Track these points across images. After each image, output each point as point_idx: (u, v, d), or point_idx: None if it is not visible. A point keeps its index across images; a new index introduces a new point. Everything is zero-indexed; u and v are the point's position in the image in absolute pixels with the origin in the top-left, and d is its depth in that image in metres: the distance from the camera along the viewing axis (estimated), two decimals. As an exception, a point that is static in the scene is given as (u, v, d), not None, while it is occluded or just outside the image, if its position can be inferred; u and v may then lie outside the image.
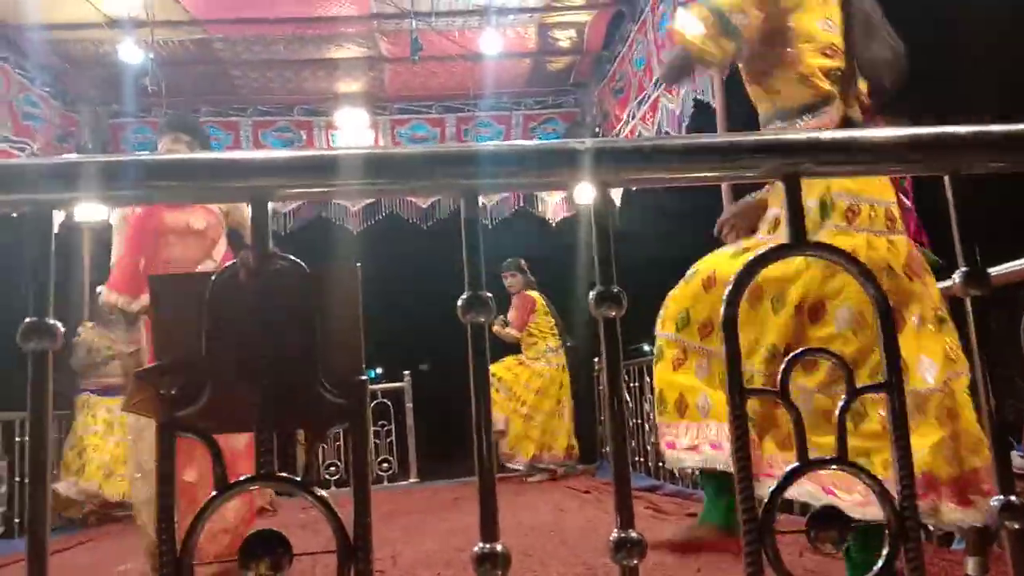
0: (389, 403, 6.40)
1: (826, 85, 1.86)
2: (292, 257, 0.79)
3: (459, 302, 0.79)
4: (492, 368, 5.56)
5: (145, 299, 2.97)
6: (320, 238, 6.75)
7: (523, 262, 6.20)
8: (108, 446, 5.38)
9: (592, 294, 0.79)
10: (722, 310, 0.82)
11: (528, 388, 5.99)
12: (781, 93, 1.92)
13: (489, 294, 0.79)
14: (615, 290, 0.78)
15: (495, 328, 6.09)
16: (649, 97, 5.30)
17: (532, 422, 5.93)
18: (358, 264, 0.80)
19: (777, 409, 1.72)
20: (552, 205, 6.96)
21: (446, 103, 6.83)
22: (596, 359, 6.57)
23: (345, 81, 6.50)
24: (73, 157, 0.75)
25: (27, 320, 0.74)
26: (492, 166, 0.78)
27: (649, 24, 5.16)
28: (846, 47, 1.88)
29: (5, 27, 5.22)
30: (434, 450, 6.72)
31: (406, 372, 6.46)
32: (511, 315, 6.10)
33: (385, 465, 6.30)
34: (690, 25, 1.89)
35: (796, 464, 0.81)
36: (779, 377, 0.82)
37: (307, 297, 0.77)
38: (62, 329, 0.76)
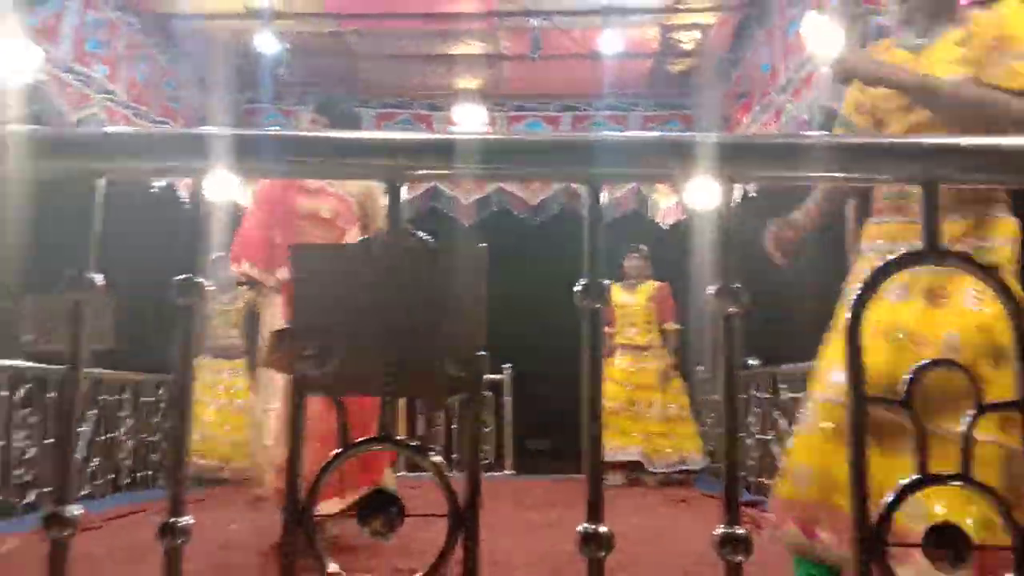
0: (489, 394, 6.48)
1: None
2: (422, 234, 0.82)
3: (576, 288, 0.80)
4: (607, 393, 5.51)
5: (281, 274, 3.02)
6: (431, 228, 6.89)
7: None
8: (208, 410, 5.65)
9: (711, 289, 0.79)
10: (847, 313, 0.81)
11: (655, 388, 5.89)
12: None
13: (607, 281, 0.81)
14: (735, 286, 0.78)
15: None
16: (773, 103, 5.16)
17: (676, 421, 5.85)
18: (484, 244, 0.83)
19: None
20: (664, 208, 6.88)
21: (563, 101, 6.86)
22: (699, 367, 6.46)
23: (465, 77, 6.62)
24: (227, 130, 0.81)
25: (179, 277, 0.81)
26: (619, 155, 0.79)
27: (777, 28, 5.02)
28: None
29: (158, 15, 5.59)
30: (530, 444, 6.77)
31: (506, 365, 6.52)
32: (667, 313, 5.94)
33: (481, 455, 6.37)
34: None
35: (915, 477, 0.79)
36: (905, 386, 0.80)
37: (435, 272, 0.81)
38: (209, 287, 0.82)
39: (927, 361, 0.85)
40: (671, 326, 5.97)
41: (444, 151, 0.80)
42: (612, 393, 5.73)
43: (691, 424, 5.93)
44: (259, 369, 3.12)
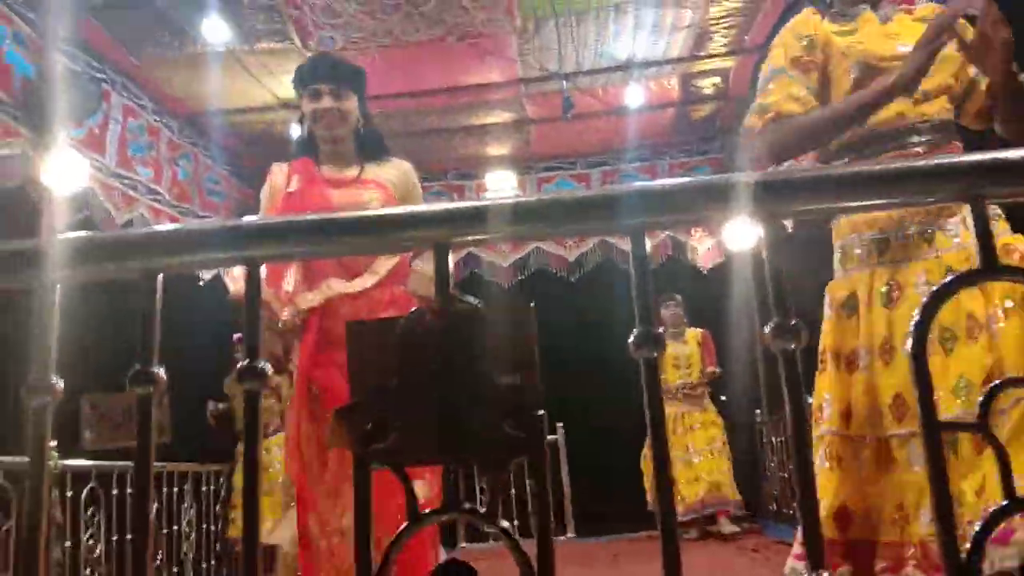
0: (542, 456, 6.38)
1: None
2: (471, 298, 0.83)
3: (631, 338, 0.80)
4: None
5: (303, 300, 2.33)
6: (474, 294, 6.92)
7: None
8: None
9: (768, 327, 0.78)
10: (910, 339, 0.79)
11: (718, 425, 5.87)
12: None
13: (660, 330, 0.80)
14: (792, 322, 0.77)
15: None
16: (801, 138, 5.15)
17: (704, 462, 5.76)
18: (532, 304, 0.84)
19: None
20: (703, 252, 6.85)
21: (590, 158, 6.94)
22: (757, 411, 6.32)
23: (493, 145, 6.75)
24: (280, 218, 0.83)
25: (241, 363, 0.83)
26: (658, 203, 0.80)
27: (797, 64, 5.04)
28: None
29: (195, 116, 5.83)
30: (589, 505, 6.65)
31: (559, 424, 6.45)
32: (711, 359, 6.01)
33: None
34: None
35: (1004, 503, 0.75)
36: (978, 408, 0.78)
37: (486, 335, 0.81)
38: (270, 372, 0.83)
39: (1001, 380, 0.82)
40: (715, 370, 6.04)
41: (486, 217, 0.81)
42: (673, 444, 5.65)
43: (727, 461, 5.84)
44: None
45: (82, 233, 0.89)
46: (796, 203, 0.82)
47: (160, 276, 0.84)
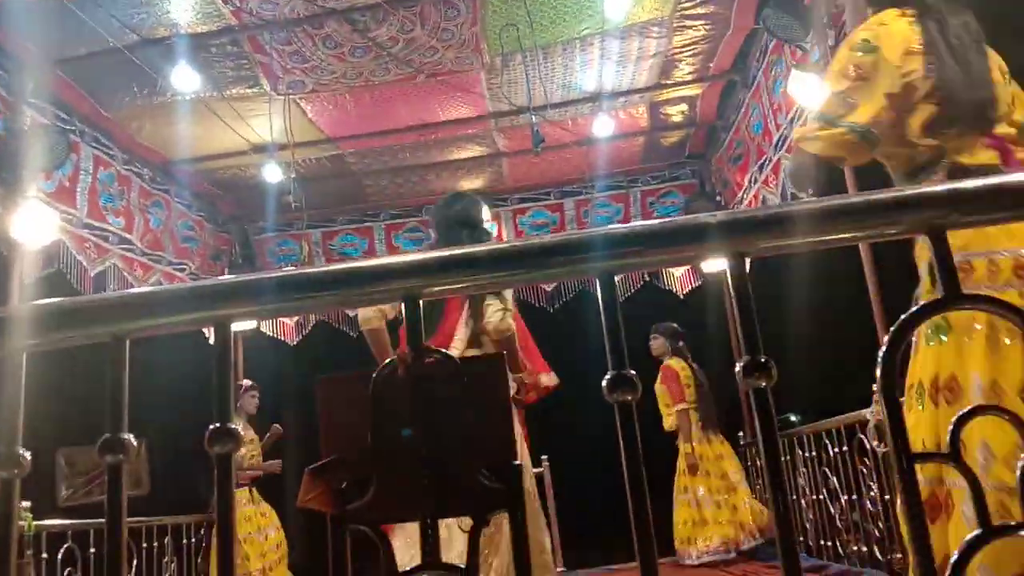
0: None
1: (932, 142, 1.79)
2: (443, 351, 0.83)
3: (604, 382, 0.80)
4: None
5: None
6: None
7: (675, 327, 6.01)
8: (243, 547, 5.59)
9: (739, 366, 0.79)
10: (878, 372, 0.80)
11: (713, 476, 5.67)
12: (892, 158, 1.88)
13: (633, 372, 0.80)
14: (763, 359, 0.78)
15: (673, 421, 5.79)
16: (770, 160, 5.22)
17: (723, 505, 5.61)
18: (503, 353, 0.83)
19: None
20: (678, 277, 6.89)
21: (563, 188, 6.99)
22: (740, 434, 6.33)
23: (468, 179, 6.78)
24: (250, 276, 0.83)
25: (212, 426, 0.82)
26: (624, 247, 0.80)
27: (763, 89, 5.13)
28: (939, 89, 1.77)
29: (167, 163, 5.81)
30: (577, 537, 6.59)
31: (544, 457, 6.41)
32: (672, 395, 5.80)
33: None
34: (812, 127, 1.87)
35: (978, 532, 0.76)
36: (949, 438, 0.78)
37: (458, 388, 0.81)
38: (242, 434, 0.82)
39: (966, 410, 0.83)
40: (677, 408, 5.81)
41: (458, 266, 0.82)
42: (701, 483, 5.59)
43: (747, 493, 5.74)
44: None
45: (49, 300, 0.88)
46: (762, 240, 0.83)
47: (127, 342, 0.84)
